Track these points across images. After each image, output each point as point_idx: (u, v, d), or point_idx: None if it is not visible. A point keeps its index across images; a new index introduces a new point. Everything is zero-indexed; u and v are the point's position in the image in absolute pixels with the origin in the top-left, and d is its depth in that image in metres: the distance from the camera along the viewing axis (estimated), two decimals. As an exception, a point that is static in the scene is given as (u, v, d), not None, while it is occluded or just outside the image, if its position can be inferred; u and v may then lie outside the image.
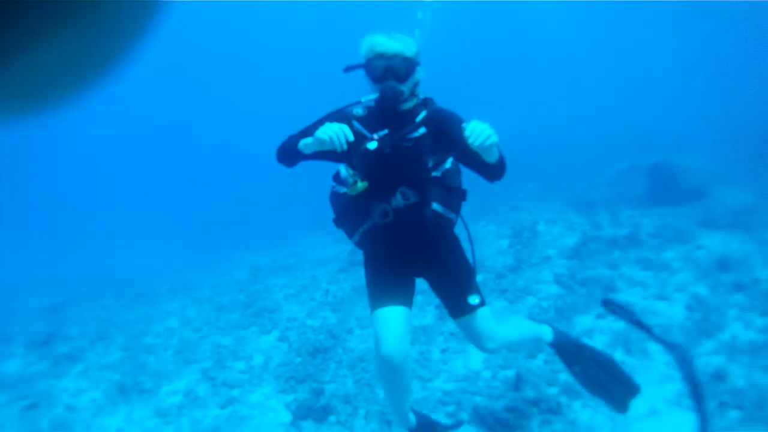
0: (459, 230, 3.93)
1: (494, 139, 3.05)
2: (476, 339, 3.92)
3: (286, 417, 6.04)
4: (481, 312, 3.82)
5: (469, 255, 3.94)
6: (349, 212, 3.72)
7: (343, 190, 3.64)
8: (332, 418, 5.81)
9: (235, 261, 16.30)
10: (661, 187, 11.61)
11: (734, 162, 12.48)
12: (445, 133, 3.48)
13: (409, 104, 3.56)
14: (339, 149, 3.23)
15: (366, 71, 3.41)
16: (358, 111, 3.64)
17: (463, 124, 3.16)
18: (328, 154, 3.53)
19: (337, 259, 12.74)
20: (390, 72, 3.33)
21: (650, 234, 9.09)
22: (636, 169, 13.97)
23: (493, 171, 3.41)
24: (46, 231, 27.49)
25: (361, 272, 8.68)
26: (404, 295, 3.81)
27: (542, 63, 43.91)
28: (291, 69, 50.96)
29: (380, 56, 3.33)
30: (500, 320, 4.11)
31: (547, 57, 43.94)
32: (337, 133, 3.20)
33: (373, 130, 3.56)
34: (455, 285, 3.86)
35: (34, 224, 30.05)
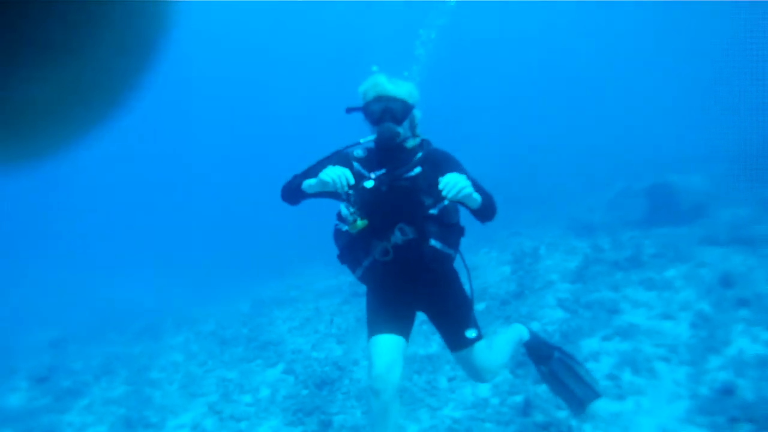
0: (458, 264, 3.99)
1: (467, 191, 3.20)
2: (474, 372, 4.05)
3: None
4: (478, 346, 3.94)
5: (467, 288, 3.99)
6: (351, 249, 3.84)
7: (344, 227, 3.72)
8: None
9: (237, 294, 16.30)
10: (660, 207, 11.66)
11: (731, 179, 12.57)
12: (440, 174, 3.45)
13: (407, 144, 3.71)
14: (341, 191, 3.37)
15: (364, 114, 3.57)
16: (359, 152, 3.77)
17: (440, 178, 3.26)
18: (330, 193, 3.64)
19: (340, 290, 12.79)
20: (387, 114, 3.49)
21: (652, 254, 9.10)
22: (633, 190, 14.05)
23: (479, 214, 3.53)
24: (48, 264, 27.49)
25: (364, 303, 8.72)
26: (401, 326, 3.90)
27: (537, 85, 44.17)
28: (288, 98, 51.19)
29: (378, 99, 3.50)
30: (490, 347, 4.21)
31: (542, 78, 44.20)
32: (339, 176, 3.32)
33: (372, 171, 3.68)
34: (453, 320, 3.96)
35: (35, 258, 30.05)
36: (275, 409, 7.14)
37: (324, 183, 3.37)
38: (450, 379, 6.78)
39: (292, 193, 3.78)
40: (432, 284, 3.92)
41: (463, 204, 3.40)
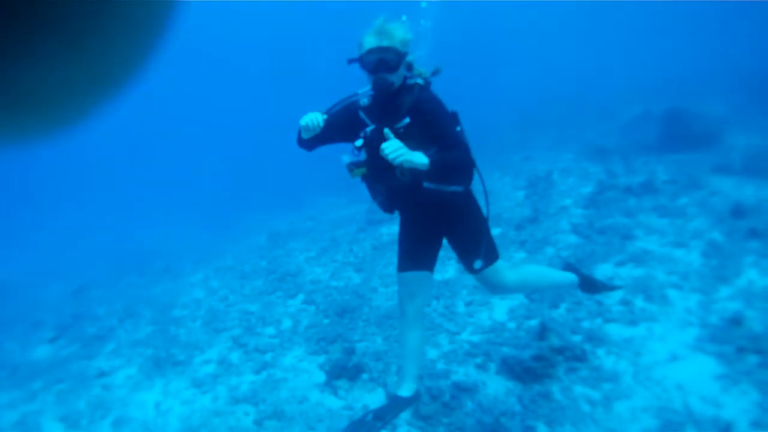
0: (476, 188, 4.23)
1: (402, 158, 3.46)
2: (489, 289, 4.44)
3: (320, 377, 6.22)
4: (487, 271, 4.24)
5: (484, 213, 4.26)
6: (368, 188, 4.29)
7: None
8: (365, 376, 6.01)
9: (252, 228, 16.49)
10: (674, 133, 11.61)
11: (747, 108, 12.46)
12: (429, 119, 3.78)
13: (401, 95, 3.88)
14: (317, 131, 3.76)
15: (360, 65, 3.73)
16: (364, 101, 3.99)
17: (383, 145, 3.51)
18: (343, 137, 4.08)
19: (355, 219, 12.90)
20: (381, 64, 3.65)
21: (665, 181, 9.15)
22: (648, 116, 13.99)
23: (436, 176, 3.83)
24: (62, 215, 27.72)
25: (380, 231, 8.95)
26: (424, 259, 4.28)
27: (553, 11, 43.40)
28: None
29: (371, 51, 3.65)
30: (518, 268, 4.53)
31: (559, 6, 43.38)
32: (311, 119, 3.71)
33: (373, 118, 3.94)
34: (463, 250, 4.28)
35: (48, 209, 30.28)
36: (298, 339, 7.35)
37: (303, 126, 3.75)
38: (467, 304, 6.96)
39: (301, 140, 4.06)
40: (440, 217, 4.21)
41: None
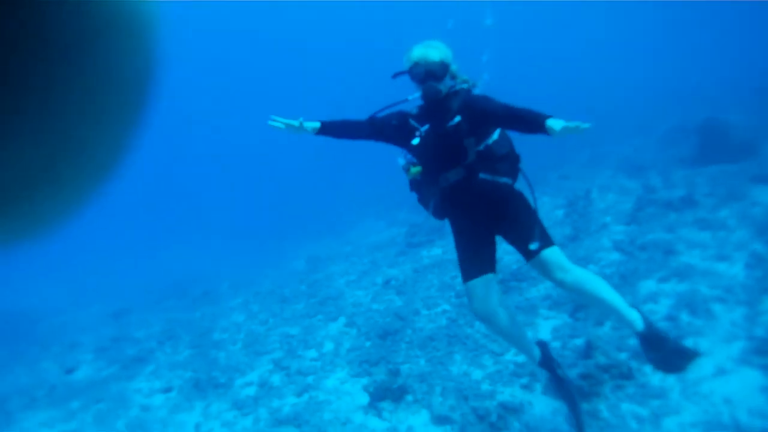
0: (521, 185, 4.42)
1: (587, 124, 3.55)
2: (547, 273, 4.31)
3: (364, 399, 6.25)
4: (545, 253, 4.23)
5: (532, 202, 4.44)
6: (419, 191, 4.51)
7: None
8: (409, 398, 6.02)
9: (290, 252, 16.61)
10: (710, 145, 11.51)
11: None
12: (481, 113, 4.08)
13: (449, 96, 4.20)
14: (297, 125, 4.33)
15: (410, 76, 4.12)
16: (413, 109, 4.35)
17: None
18: (391, 140, 4.44)
19: (394, 243, 12.95)
20: (429, 75, 4.04)
21: (705, 194, 9.08)
22: (683, 128, 13.91)
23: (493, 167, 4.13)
24: (102, 238, 28.17)
25: (421, 254, 9.04)
26: (485, 261, 4.39)
27: (583, 24, 43.43)
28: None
29: (418, 64, 4.05)
30: (577, 266, 4.36)
31: (588, 19, 43.43)
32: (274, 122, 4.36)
33: (422, 122, 4.26)
34: (518, 236, 4.36)
35: (88, 232, 30.83)
36: (341, 361, 7.40)
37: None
38: (510, 326, 6.95)
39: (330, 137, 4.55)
40: (495, 209, 4.38)
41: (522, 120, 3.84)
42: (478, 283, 4.32)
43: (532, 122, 3.78)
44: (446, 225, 4.56)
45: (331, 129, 4.45)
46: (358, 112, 4.59)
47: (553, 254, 4.25)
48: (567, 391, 4.87)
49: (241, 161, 45.97)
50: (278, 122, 4.35)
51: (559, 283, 4.27)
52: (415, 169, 4.32)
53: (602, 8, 42.27)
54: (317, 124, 4.41)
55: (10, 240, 0.53)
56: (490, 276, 4.35)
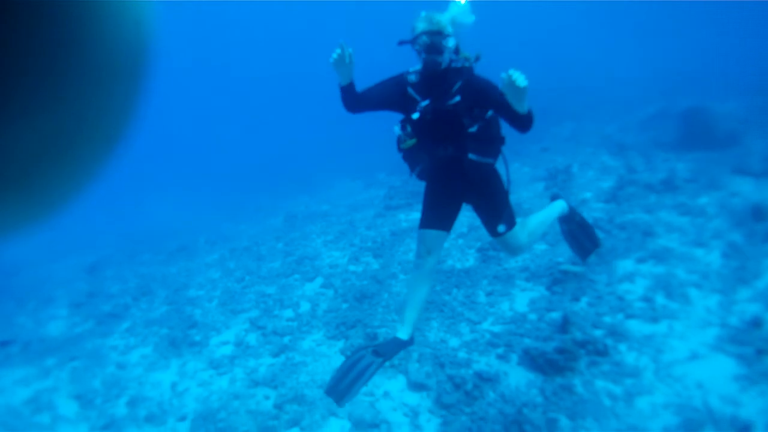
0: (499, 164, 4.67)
1: (526, 84, 3.72)
2: (509, 252, 5.07)
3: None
4: (509, 235, 4.80)
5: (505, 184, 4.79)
6: (408, 157, 4.71)
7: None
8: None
9: (267, 209, 16.55)
10: (693, 132, 11.57)
11: (766, 109, 12.39)
12: (480, 96, 4.24)
13: (449, 71, 4.34)
14: (346, 60, 4.31)
15: (412, 46, 4.24)
16: (412, 78, 4.44)
17: (503, 74, 3.77)
18: (389, 107, 4.60)
19: (372, 204, 12.95)
20: (431, 47, 4.14)
21: (685, 179, 9.13)
22: (667, 113, 13.96)
23: (523, 121, 4.00)
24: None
25: (399, 217, 9.20)
26: (444, 220, 4.76)
27: (570, 4, 43.23)
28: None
29: (422, 34, 4.14)
30: (525, 225, 5.12)
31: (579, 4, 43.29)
32: (336, 52, 4.30)
33: (422, 95, 4.40)
34: (488, 216, 4.81)
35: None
36: (317, 323, 7.43)
37: (333, 63, 4.35)
38: (488, 294, 7.02)
39: (346, 102, 4.59)
40: (472, 186, 4.67)
41: (514, 108, 3.91)
42: (432, 234, 4.69)
43: (515, 117, 3.99)
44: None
45: (350, 92, 4.51)
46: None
47: (512, 237, 4.85)
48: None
49: (223, 115, 45.62)
50: (341, 52, 4.30)
51: (514, 258, 4.82)
52: (410, 142, 4.49)
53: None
54: (351, 77, 4.47)
55: (17, 223, 0.54)
56: (444, 234, 4.73)
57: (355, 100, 4.54)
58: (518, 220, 4.85)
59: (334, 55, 4.30)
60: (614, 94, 19.36)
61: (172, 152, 36.00)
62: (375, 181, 16.15)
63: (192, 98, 49.64)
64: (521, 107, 3.87)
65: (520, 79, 3.69)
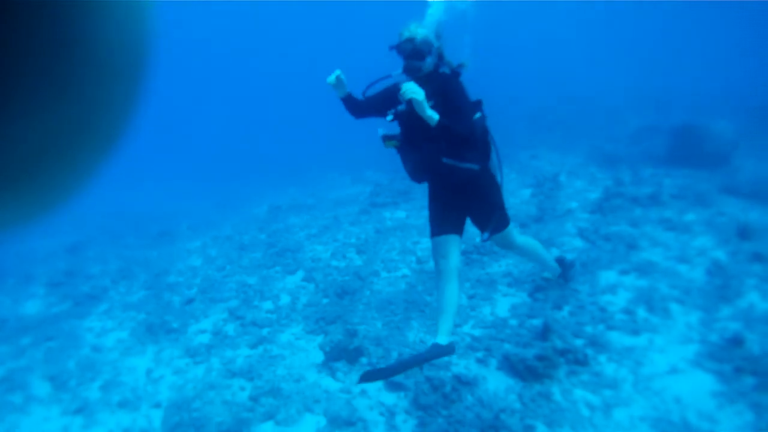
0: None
1: (414, 95, 4.00)
2: (499, 246, 5.40)
3: (318, 357, 6.27)
4: (498, 236, 5.04)
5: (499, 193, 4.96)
6: (400, 154, 4.80)
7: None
8: (364, 360, 6.05)
9: (251, 198, 16.47)
10: (683, 148, 11.60)
11: (757, 130, 12.47)
12: (449, 100, 4.35)
13: (431, 80, 4.48)
14: (342, 84, 4.78)
15: (397, 52, 4.45)
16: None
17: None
18: (378, 113, 4.79)
19: (357, 200, 12.90)
20: (414, 53, 4.37)
21: (672, 195, 9.13)
22: (658, 127, 14.02)
23: (444, 133, 4.23)
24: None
25: (383, 214, 9.29)
26: (453, 225, 4.87)
27: (566, 14, 43.49)
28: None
29: (407, 41, 4.35)
30: (525, 236, 5.65)
31: (572, 8, 43.49)
32: (331, 77, 4.75)
33: (404, 100, 4.39)
34: (475, 221, 4.98)
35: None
36: (297, 316, 7.39)
37: (331, 86, 4.80)
38: (470, 297, 6.99)
39: (348, 109, 4.95)
40: (458, 190, 4.79)
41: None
42: (443, 240, 4.79)
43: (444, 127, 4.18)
44: (412, 189, 5.03)
45: (350, 101, 4.88)
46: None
47: (503, 237, 5.10)
48: None
49: (212, 101, 45.43)
50: (336, 75, 4.74)
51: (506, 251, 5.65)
52: (391, 143, 4.63)
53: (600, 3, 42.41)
54: (348, 90, 4.86)
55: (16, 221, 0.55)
56: (454, 237, 4.81)
57: (357, 108, 4.85)
58: (517, 228, 5.00)
59: (330, 79, 4.73)
60: (606, 103, 19.45)
61: (162, 139, 35.78)
62: (362, 178, 16.06)
63: (186, 87, 49.46)
64: (427, 118, 4.11)
65: (407, 92, 3.99)
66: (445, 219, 4.84)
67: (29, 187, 0.50)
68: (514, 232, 5.18)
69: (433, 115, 4.09)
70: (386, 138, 4.60)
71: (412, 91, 4.00)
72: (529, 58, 36.07)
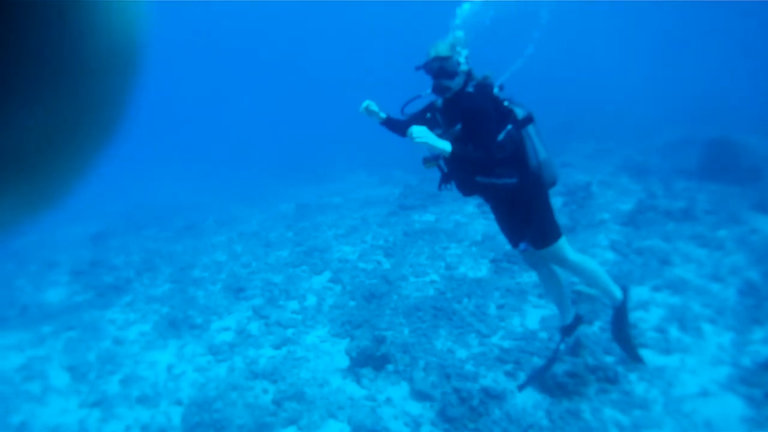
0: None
1: (422, 140, 4.05)
2: (548, 261, 5.01)
3: (343, 362, 6.21)
4: (543, 252, 4.80)
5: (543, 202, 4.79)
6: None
7: None
8: (390, 367, 5.99)
9: (279, 196, 16.48)
10: (716, 162, 11.45)
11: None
12: (473, 121, 4.29)
13: (460, 100, 4.42)
14: (373, 112, 4.79)
15: (425, 71, 4.35)
16: (438, 103, 4.58)
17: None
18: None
19: (386, 201, 12.87)
20: (441, 72, 4.29)
21: (705, 210, 9.03)
22: (691, 140, 13.87)
23: (457, 159, 4.27)
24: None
25: (412, 217, 9.21)
26: (512, 237, 4.94)
27: (603, 25, 43.20)
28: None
29: (434, 59, 4.26)
30: (583, 253, 5.31)
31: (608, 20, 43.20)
32: (361, 107, 4.77)
33: (442, 118, 4.51)
34: (511, 230, 4.89)
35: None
36: (322, 318, 7.35)
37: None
38: (499, 307, 6.93)
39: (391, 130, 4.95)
40: (502, 203, 4.79)
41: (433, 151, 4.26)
42: (518, 252, 4.92)
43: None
44: (441, 193, 4.81)
45: (390, 123, 4.87)
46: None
47: (551, 255, 4.82)
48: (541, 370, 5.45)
49: (243, 100, 45.69)
50: (364, 106, 4.75)
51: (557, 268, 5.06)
52: (430, 164, 4.53)
53: (631, 10, 41.98)
54: (384, 115, 4.84)
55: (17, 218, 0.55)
56: (522, 245, 4.73)
57: (400, 129, 4.76)
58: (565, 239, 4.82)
59: (360, 110, 4.78)
60: (638, 112, 19.29)
61: (187, 131, 36.06)
62: (391, 178, 16.06)
63: (215, 81, 49.78)
64: (440, 152, 4.17)
65: (415, 139, 4.04)
66: (512, 232, 4.87)
67: (24, 184, 0.49)
68: (566, 247, 4.80)
69: (445, 148, 4.10)
70: (426, 160, 4.55)
71: (418, 136, 4.04)
72: (558, 64, 35.87)
